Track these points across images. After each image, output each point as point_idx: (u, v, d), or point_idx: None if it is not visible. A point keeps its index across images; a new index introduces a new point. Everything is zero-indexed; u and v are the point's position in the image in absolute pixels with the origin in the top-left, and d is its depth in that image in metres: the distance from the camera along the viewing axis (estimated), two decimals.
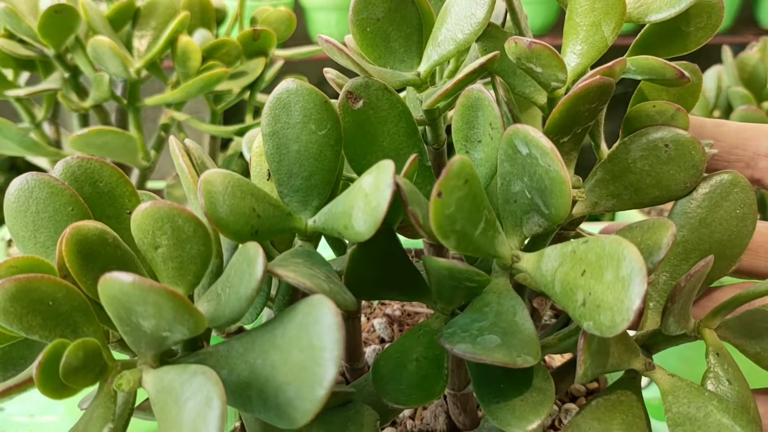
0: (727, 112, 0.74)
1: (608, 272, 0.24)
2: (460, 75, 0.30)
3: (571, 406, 0.42)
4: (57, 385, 0.23)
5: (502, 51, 0.32)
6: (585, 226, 0.37)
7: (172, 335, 0.23)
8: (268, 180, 0.34)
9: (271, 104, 0.30)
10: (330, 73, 0.36)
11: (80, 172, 0.30)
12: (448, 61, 0.38)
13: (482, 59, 0.30)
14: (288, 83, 0.30)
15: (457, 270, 0.27)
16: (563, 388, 0.41)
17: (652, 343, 0.32)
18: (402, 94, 0.42)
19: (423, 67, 0.35)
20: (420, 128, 0.39)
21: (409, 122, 0.33)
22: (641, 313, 0.29)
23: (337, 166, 0.31)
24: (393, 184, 0.25)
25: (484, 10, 0.32)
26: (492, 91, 0.29)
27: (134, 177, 0.74)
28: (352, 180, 0.35)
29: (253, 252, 0.24)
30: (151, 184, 0.83)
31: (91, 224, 0.26)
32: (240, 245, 0.26)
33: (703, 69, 0.76)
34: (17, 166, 1.93)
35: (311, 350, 0.22)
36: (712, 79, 0.75)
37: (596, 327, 0.24)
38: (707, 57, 1.07)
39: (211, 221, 0.25)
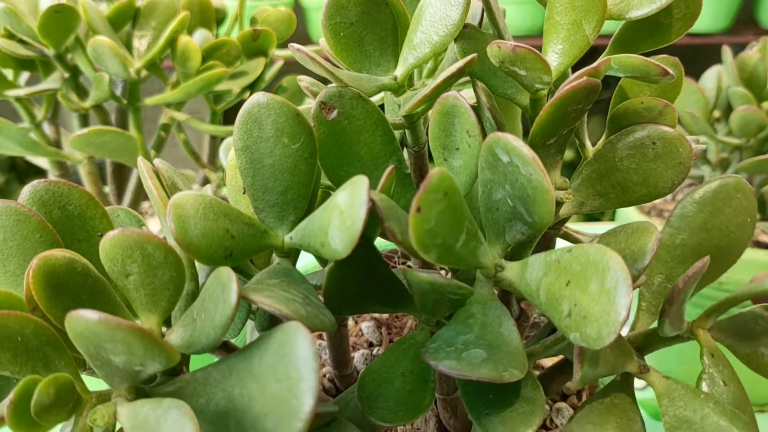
0: (727, 112, 0.73)
1: (593, 283, 0.23)
2: (437, 80, 0.29)
3: (562, 405, 0.41)
4: (29, 423, 0.22)
5: (480, 52, 0.32)
6: (584, 226, 0.36)
7: (145, 369, 0.22)
8: (243, 194, 0.33)
9: (242, 118, 0.29)
10: (304, 81, 0.35)
11: (48, 196, 0.29)
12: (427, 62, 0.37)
13: (460, 63, 0.29)
14: (258, 97, 0.29)
15: (438, 284, 0.26)
16: (555, 389, 0.41)
17: (645, 344, 0.31)
18: (380, 95, 0.41)
19: (399, 71, 0.34)
20: (399, 131, 0.38)
21: (386, 130, 0.32)
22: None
23: (312, 179, 0.30)
24: (367, 201, 0.24)
25: (459, 11, 0.31)
26: (466, 99, 0.28)
27: (134, 177, 0.73)
28: (332, 189, 0.34)
29: (226, 278, 0.23)
30: None
31: (58, 253, 0.25)
32: (214, 269, 0.25)
33: (703, 69, 0.75)
34: (17, 166, 1.91)
35: (288, 381, 0.21)
36: (712, 79, 0.73)
37: (583, 339, 0.23)
38: (707, 57, 1.06)
39: (182, 247, 0.25)
